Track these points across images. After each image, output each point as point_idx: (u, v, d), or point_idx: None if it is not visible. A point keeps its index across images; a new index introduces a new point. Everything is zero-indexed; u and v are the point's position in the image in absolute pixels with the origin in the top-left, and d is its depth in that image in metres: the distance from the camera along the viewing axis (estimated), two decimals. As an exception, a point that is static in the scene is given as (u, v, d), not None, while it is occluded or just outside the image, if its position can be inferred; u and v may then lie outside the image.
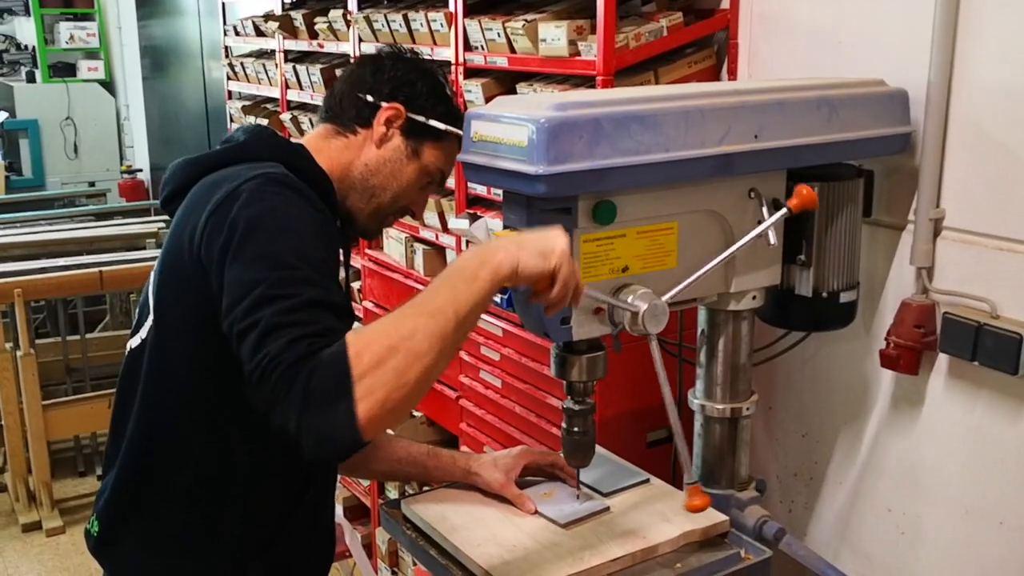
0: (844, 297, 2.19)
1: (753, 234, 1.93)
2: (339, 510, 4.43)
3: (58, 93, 9.07)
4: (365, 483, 4.28)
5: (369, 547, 4.30)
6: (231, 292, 1.58)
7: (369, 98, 1.94)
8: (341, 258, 1.97)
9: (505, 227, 1.86)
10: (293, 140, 1.94)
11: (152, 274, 1.85)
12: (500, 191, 1.93)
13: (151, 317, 1.81)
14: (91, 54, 9.52)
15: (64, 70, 9.28)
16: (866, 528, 2.52)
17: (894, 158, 2.25)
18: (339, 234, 1.93)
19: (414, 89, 1.95)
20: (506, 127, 1.76)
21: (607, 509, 2.05)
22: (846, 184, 2.15)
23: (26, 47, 9.91)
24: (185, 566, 1.86)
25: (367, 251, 3.85)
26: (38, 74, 9.31)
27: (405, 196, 1.97)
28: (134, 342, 1.88)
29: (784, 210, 1.92)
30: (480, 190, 3.04)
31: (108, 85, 9.50)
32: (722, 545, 1.98)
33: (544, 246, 1.57)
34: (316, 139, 1.96)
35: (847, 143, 2.06)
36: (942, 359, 2.25)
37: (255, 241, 1.61)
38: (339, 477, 3.59)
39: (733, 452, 2.23)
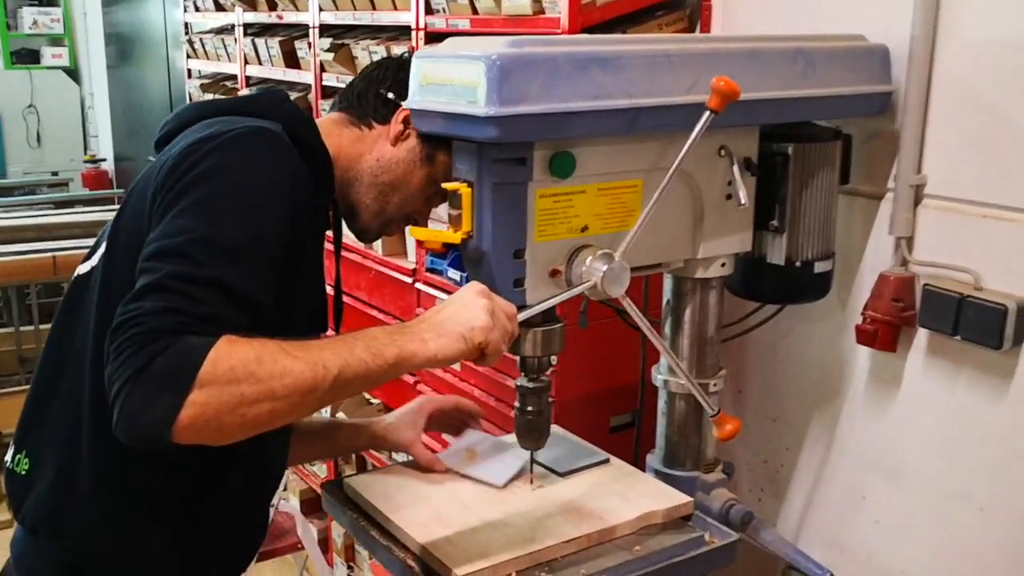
0: (819, 267, 2.06)
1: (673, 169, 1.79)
2: (294, 502, 4.28)
3: (21, 80, 8.85)
4: (322, 475, 4.12)
5: (326, 542, 4.15)
6: (157, 231, 1.47)
7: (390, 95, 1.86)
8: (330, 244, 1.88)
9: (454, 178, 1.72)
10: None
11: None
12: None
13: (105, 243, 1.69)
14: (55, 40, 9.30)
15: (27, 56, 9.05)
16: (839, 517, 2.39)
17: (873, 122, 2.13)
18: (325, 217, 1.84)
19: None
20: (456, 66, 1.62)
21: (533, 462, 1.96)
22: (822, 146, 2.02)
23: (-13, 32, 9.69)
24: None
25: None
26: (0, 60, 9.09)
27: (412, 202, 1.88)
28: (83, 268, 1.75)
29: (707, 113, 1.70)
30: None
31: (72, 73, 9.29)
32: (685, 528, 1.85)
33: (462, 326, 1.51)
34: (328, 123, 1.87)
35: (824, 100, 1.93)
36: (922, 335, 2.13)
37: (203, 190, 1.49)
38: (288, 472, 3.44)
39: (699, 431, 2.09)
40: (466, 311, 1.52)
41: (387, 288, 3.32)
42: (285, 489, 4.03)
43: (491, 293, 1.57)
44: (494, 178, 1.64)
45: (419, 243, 1.71)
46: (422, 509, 1.85)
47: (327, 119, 1.88)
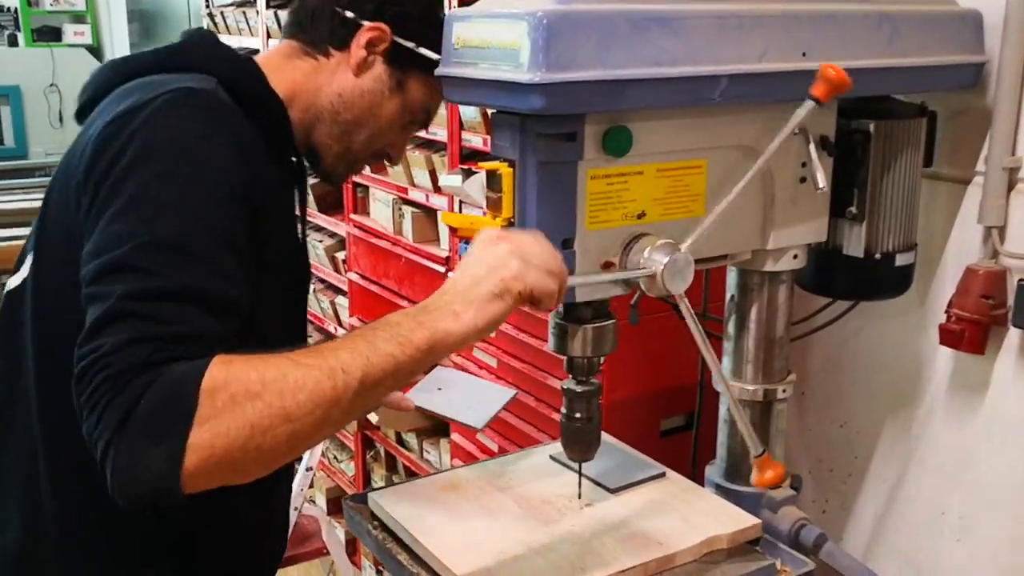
0: (900, 259, 1.84)
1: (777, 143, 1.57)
2: (320, 501, 4.10)
3: (42, 58, 8.61)
4: (350, 473, 3.94)
5: (353, 543, 3.96)
6: (93, 239, 1.24)
7: (348, 14, 1.58)
8: (297, 208, 1.63)
9: (494, 157, 1.51)
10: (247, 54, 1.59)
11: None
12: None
13: (31, 252, 1.46)
14: (77, 17, 9.08)
15: (48, 34, 8.83)
16: (914, 533, 2.17)
17: (961, 97, 1.90)
18: (289, 174, 1.59)
19: (403, 8, 1.60)
20: (495, 27, 1.40)
21: (514, 396, 1.80)
22: (906, 123, 1.80)
23: (8, 9, 9.44)
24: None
25: (351, 216, 3.50)
26: (20, 37, 8.81)
27: (382, 137, 1.65)
28: (13, 282, 1.51)
29: (809, 103, 1.49)
30: (476, 142, 2.69)
31: (95, 51, 9.09)
32: (753, 554, 1.64)
33: (491, 284, 1.27)
34: (276, 57, 1.61)
35: (910, 71, 1.70)
36: (1014, 335, 1.91)
37: (135, 181, 1.25)
38: (314, 466, 3.25)
39: (766, 442, 1.87)
40: (488, 264, 1.28)
41: (418, 277, 3.12)
42: (311, 486, 3.84)
43: (508, 234, 1.33)
44: (539, 156, 1.43)
45: (452, 230, 1.51)
46: (455, 531, 1.65)
47: (274, 53, 1.63)
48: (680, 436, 2.52)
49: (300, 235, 1.65)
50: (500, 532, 1.64)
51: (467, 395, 1.78)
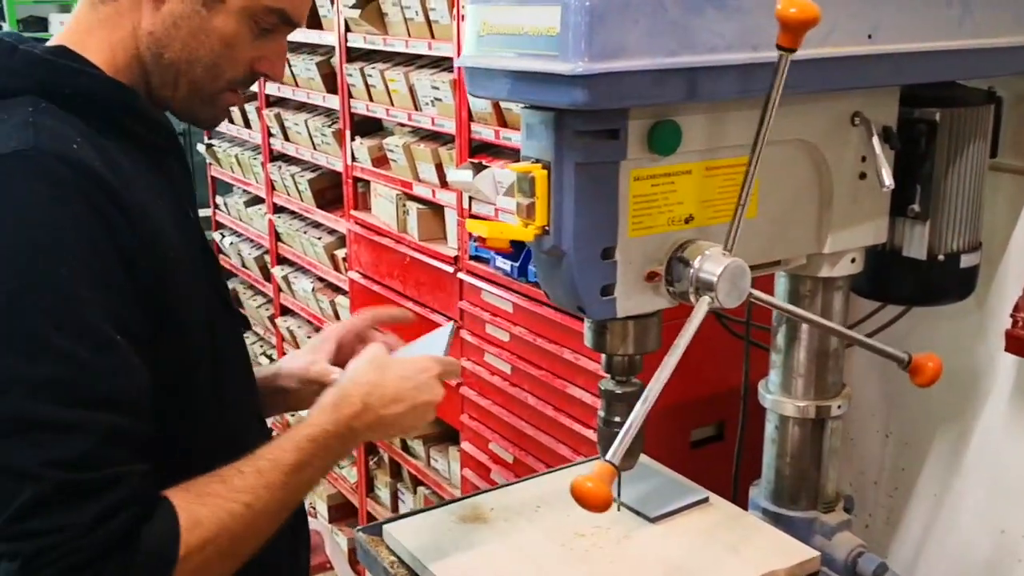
0: (965, 261, 1.68)
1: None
2: (321, 508, 3.93)
3: (29, 50, 8.47)
4: (351, 479, 3.78)
5: (355, 552, 3.80)
6: None
7: None
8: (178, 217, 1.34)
9: (524, 158, 1.34)
10: (52, 40, 1.31)
11: None
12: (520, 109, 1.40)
13: None
14: (64, 7, 8.89)
15: (35, 24, 8.64)
16: (970, 553, 2.01)
17: (1028, 81, 1.73)
18: (159, 156, 1.34)
19: None
20: (529, 11, 1.23)
21: (455, 327, 1.62)
22: (974, 111, 1.63)
23: (-9, -2, 9.29)
24: None
25: (352, 213, 3.32)
26: (6, 27, 8.66)
27: (231, 61, 1.31)
28: None
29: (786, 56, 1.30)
30: (486, 134, 2.51)
31: (84, 43, 8.91)
32: (813, 591, 1.48)
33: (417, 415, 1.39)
34: (85, 14, 1.30)
35: (982, 53, 1.53)
36: (1088, 342, 1.74)
37: None
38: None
39: (818, 463, 1.71)
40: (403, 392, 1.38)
41: (424, 278, 2.94)
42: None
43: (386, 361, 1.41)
44: (578, 156, 1.27)
45: (481, 240, 1.34)
46: (482, 568, 1.49)
47: (79, 16, 1.31)
48: (711, 447, 2.36)
49: (192, 215, 1.40)
50: (530, 568, 1.49)
51: (414, 352, 1.54)
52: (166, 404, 1.20)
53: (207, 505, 1.15)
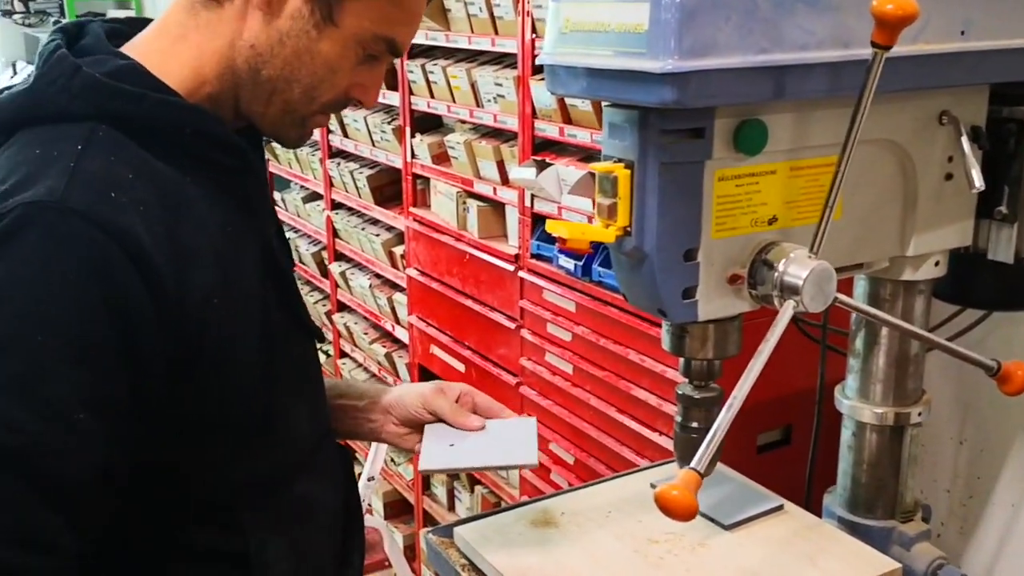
0: (1052, 265, 1.62)
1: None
2: (378, 506, 3.93)
3: (87, 46, 8.55)
4: (408, 476, 3.77)
5: (412, 548, 3.79)
6: None
7: None
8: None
9: (605, 158, 1.31)
10: (136, 43, 1.25)
11: None
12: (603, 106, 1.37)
13: None
14: (122, 3, 8.98)
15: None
16: (1048, 564, 1.96)
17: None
18: (233, 177, 1.25)
19: None
20: (615, 6, 1.20)
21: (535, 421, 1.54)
22: (1065, 110, 1.58)
23: (53, -5, 9.38)
24: None
25: (411, 210, 3.31)
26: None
27: (330, 86, 1.26)
28: None
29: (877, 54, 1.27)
30: (550, 132, 2.48)
31: (141, 38, 8.98)
32: (894, 604, 1.44)
33: None
34: (180, 18, 1.24)
35: (1077, 50, 1.49)
36: None
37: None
38: (377, 476, 3.07)
39: (896, 471, 1.67)
40: None
41: (484, 276, 2.92)
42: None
43: None
44: (663, 156, 1.24)
45: (561, 241, 1.31)
46: (555, 574, 1.46)
47: (170, 20, 1.25)
48: (777, 452, 2.32)
49: (279, 237, 1.36)
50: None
51: (489, 439, 1.51)
52: (207, 440, 1.18)
53: None
